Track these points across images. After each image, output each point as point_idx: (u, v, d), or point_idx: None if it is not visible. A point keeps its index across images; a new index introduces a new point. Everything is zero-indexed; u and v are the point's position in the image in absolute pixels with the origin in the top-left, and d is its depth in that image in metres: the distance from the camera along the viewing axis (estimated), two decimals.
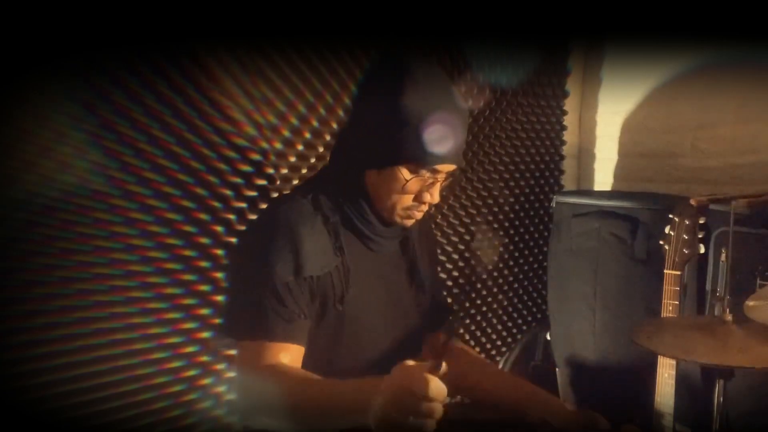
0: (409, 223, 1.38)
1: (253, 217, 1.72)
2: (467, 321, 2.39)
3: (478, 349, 2.46)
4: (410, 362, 1.04)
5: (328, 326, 1.32)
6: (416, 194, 1.32)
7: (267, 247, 1.26)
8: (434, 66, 1.33)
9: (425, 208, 1.36)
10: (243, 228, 1.70)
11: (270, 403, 1.19)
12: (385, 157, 1.28)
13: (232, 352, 1.69)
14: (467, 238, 2.35)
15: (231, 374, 1.68)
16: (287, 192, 1.54)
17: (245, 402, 1.28)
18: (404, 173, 1.28)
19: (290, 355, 1.24)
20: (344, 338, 1.34)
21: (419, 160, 1.26)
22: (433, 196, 1.33)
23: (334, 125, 1.90)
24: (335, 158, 1.42)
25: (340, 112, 1.90)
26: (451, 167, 1.31)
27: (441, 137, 1.25)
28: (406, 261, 1.48)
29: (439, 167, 1.29)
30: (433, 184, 1.32)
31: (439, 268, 2.19)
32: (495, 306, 2.49)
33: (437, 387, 0.96)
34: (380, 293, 1.41)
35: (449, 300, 2.31)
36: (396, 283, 1.45)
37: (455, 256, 2.32)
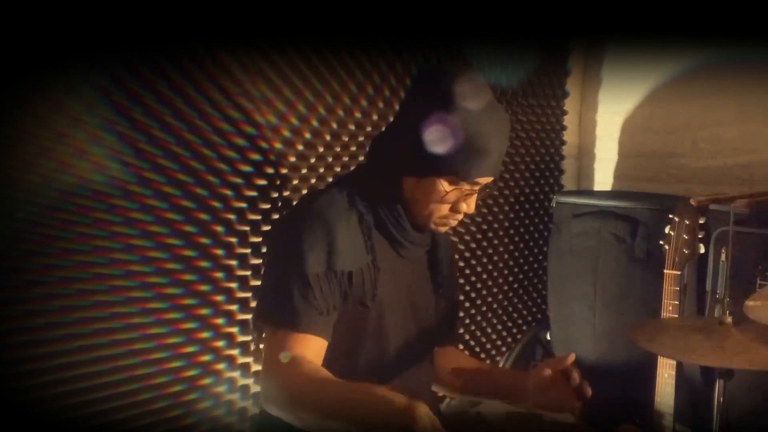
0: (444, 229, 1.40)
1: (254, 217, 1.72)
2: (467, 321, 2.39)
3: (478, 348, 2.46)
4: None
5: (351, 322, 1.33)
6: (453, 204, 1.33)
7: (301, 238, 1.26)
8: (481, 79, 1.33)
9: (461, 217, 1.37)
10: (245, 228, 1.71)
11: (282, 397, 1.21)
12: (426, 168, 1.29)
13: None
14: (467, 238, 2.35)
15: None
16: (324, 186, 1.55)
17: (263, 389, 1.29)
18: (444, 185, 1.29)
19: (313, 346, 1.25)
20: (365, 336, 1.35)
21: (461, 173, 1.28)
22: (470, 207, 1.34)
23: (334, 125, 1.90)
24: (373, 160, 1.42)
25: (340, 112, 1.90)
26: (490, 178, 1.33)
27: (485, 151, 1.27)
28: (431, 269, 1.49)
29: (479, 179, 1.30)
30: (470, 194, 1.33)
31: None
32: (495, 306, 2.49)
33: None
34: (402, 298, 1.41)
35: None
36: (419, 290, 1.46)
37: (455, 256, 2.32)
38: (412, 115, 1.30)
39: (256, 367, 1.73)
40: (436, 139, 1.24)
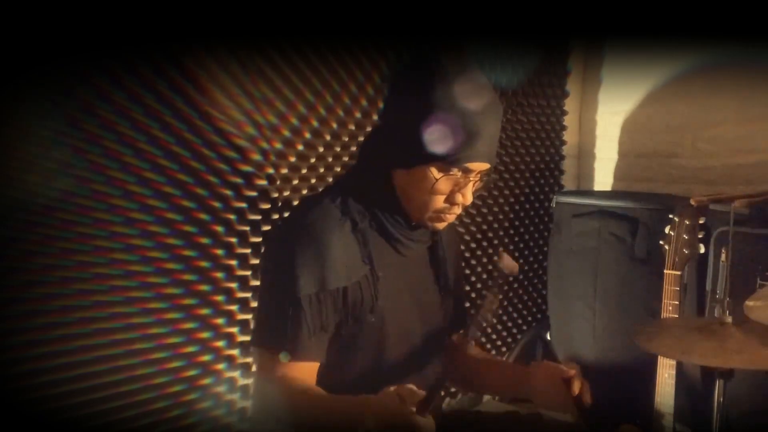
0: (441, 226, 1.33)
1: (254, 217, 1.72)
2: (467, 321, 2.38)
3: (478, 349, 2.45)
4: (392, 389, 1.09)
5: (355, 334, 1.31)
6: (447, 195, 1.26)
7: (293, 258, 1.23)
8: (467, 60, 1.27)
9: (458, 210, 1.30)
10: (245, 228, 1.71)
11: (277, 414, 1.21)
12: (413, 156, 1.22)
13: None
14: (467, 238, 2.35)
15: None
16: (316, 193, 1.52)
17: (255, 409, 1.29)
18: (433, 172, 1.22)
19: (304, 370, 1.24)
20: (373, 343, 1.33)
21: (449, 158, 1.20)
22: (465, 197, 1.27)
23: (334, 125, 1.89)
24: (363, 158, 1.38)
25: (340, 112, 1.90)
26: (484, 166, 1.25)
27: (473, 134, 1.19)
28: (434, 266, 1.45)
29: (470, 166, 1.23)
30: (465, 184, 1.26)
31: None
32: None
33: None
34: (408, 299, 1.38)
35: None
36: (423, 288, 1.43)
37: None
38: (397, 104, 1.26)
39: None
40: (420, 124, 1.18)
